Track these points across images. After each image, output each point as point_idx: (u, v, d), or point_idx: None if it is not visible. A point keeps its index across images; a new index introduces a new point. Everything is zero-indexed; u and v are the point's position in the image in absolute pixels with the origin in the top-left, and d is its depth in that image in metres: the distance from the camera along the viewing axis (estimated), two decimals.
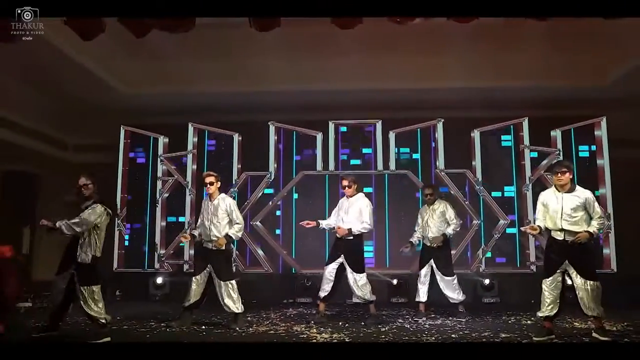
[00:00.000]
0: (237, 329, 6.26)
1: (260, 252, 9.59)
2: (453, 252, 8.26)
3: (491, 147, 9.76)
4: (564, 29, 7.01)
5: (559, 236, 5.56)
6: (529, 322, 6.71)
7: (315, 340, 5.55)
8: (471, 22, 6.07)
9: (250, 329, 6.32)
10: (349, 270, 6.75)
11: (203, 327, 6.40)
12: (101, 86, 9.15)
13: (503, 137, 9.82)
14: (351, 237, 6.77)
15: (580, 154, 9.53)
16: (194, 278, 6.45)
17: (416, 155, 9.90)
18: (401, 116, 9.82)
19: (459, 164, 9.62)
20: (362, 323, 6.63)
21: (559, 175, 5.58)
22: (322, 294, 6.86)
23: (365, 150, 10.00)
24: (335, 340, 5.53)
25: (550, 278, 5.56)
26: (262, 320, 7.01)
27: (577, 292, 5.51)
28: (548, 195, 5.71)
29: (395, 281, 8.92)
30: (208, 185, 6.51)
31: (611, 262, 9.04)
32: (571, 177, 5.62)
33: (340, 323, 6.73)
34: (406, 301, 8.72)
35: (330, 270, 6.83)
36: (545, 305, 5.59)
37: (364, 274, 6.79)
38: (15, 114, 9.36)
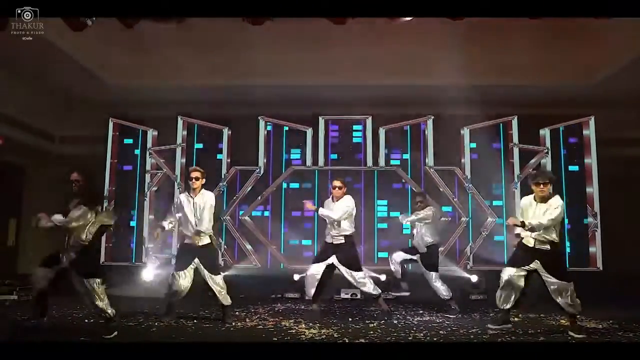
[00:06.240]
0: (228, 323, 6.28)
1: (248, 246, 9.56)
2: (441, 249, 8.29)
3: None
4: (554, 28, 7.03)
5: (530, 243, 5.69)
6: (516, 319, 6.74)
7: (303, 336, 5.55)
8: (463, 20, 6.09)
9: (239, 323, 6.32)
10: (345, 270, 6.82)
11: (192, 321, 6.38)
12: (89, 77, 9.02)
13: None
14: (343, 241, 6.85)
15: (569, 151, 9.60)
16: (178, 273, 6.29)
17: (406, 156, 9.77)
18: (391, 112, 9.82)
19: (448, 161, 9.66)
20: (349, 319, 6.62)
21: (542, 187, 5.65)
22: (311, 294, 6.92)
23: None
24: (324, 336, 5.53)
25: (514, 270, 5.71)
26: (250, 315, 6.99)
27: (552, 294, 5.68)
28: (528, 203, 5.82)
29: (383, 277, 8.93)
30: (193, 180, 6.42)
31: (597, 260, 9.14)
32: (551, 189, 5.70)
33: (329, 319, 6.71)
34: (394, 297, 8.75)
35: (317, 268, 6.86)
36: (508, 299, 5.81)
37: (362, 271, 6.89)
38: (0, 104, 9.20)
